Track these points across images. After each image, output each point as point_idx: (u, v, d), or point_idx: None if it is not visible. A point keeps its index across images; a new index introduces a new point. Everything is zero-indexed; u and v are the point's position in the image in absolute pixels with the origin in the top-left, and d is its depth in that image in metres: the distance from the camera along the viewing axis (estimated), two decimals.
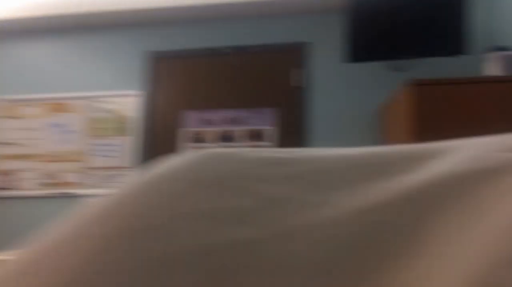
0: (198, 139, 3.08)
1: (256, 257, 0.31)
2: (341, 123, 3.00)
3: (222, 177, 0.37)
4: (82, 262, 0.31)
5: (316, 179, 0.37)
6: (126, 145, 3.16)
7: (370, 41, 2.66)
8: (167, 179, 0.37)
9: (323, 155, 0.40)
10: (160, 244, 0.32)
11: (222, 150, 0.41)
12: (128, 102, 3.21)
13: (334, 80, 3.06)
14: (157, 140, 3.15)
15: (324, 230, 0.32)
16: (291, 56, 3.10)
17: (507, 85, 2.15)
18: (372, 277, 0.29)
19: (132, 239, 0.32)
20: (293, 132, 3.01)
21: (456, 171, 0.33)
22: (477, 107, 2.14)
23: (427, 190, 0.32)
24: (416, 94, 2.18)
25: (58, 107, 3.29)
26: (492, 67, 2.40)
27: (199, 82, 3.17)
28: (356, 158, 0.39)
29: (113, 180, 3.09)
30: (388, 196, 0.33)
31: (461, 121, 2.14)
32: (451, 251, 0.28)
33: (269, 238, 0.32)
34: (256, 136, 3.02)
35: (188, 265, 0.30)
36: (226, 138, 3.05)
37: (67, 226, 0.36)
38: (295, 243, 0.31)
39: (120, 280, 0.30)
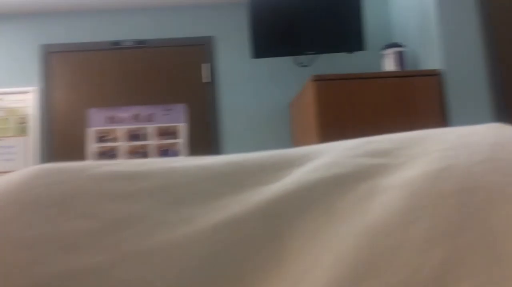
0: (105, 138, 2.94)
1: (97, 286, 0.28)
2: (252, 118, 3.04)
3: (58, 196, 0.33)
4: None
5: (169, 195, 0.35)
6: (26, 147, 2.93)
7: (272, 36, 2.71)
8: None
9: (180, 167, 0.38)
10: None
11: (57, 165, 0.37)
12: (25, 99, 2.97)
13: (244, 75, 3.08)
14: (61, 140, 2.95)
15: (176, 251, 0.30)
16: (198, 50, 3.06)
17: (401, 80, 2.31)
18: None
19: None
20: (204, 128, 2.99)
21: (310, 180, 0.33)
22: (373, 101, 2.28)
23: (282, 202, 0.32)
24: (317, 89, 2.27)
25: None
26: (388, 63, 2.56)
27: (102, 78, 3.02)
28: (214, 169, 0.38)
29: None
30: (243, 210, 0.32)
31: (360, 115, 2.26)
32: (303, 266, 0.28)
33: (114, 264, 0.29)
34: (167, 134, 2.95)
35: None
36: (135, 136, 2.94)
37: None
38: (142, 268, 0.29)
39: None
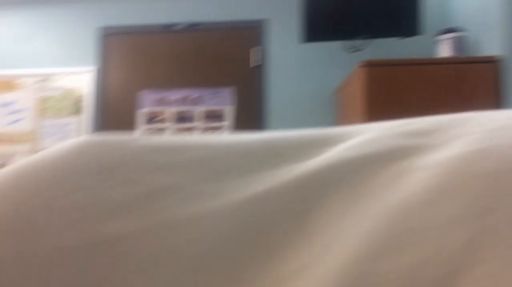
0: (154, 119, 3.02)
1: (128, 253, 0.29)
2: (299, 103, 3.01)
3: (100, 166, 0.35)
4: None
5: (206, 167, 0.35)
6: (80, 125, 3.07)
7: (325, 20, 2.65)
8: (41, 167, 0.35)
9: (215, 142, 0.39)
10: (31, 240, 0.30)
11: (101, 137, 0.39)
12: (81, 80, 3.11)
13: (292, 59, 3.05)
14: (112, 120, 3.07)
15: (209, 221, 0.31)
16: (249, 34, 3.06)
17: (456, 67, 2.20)
18: (254, 270, 0.28)
19: (2, 235, 0.30)
20: (252, 112, 3.00)
21: (343, 158, 0.33)
22: (428, 88, 2.19)
23: (314, 177, 0.32)
24: (368, 75, 2.20)
25: (7, 85, 3.15)
26: (444, 49, 2.44)
27: (154, 60, 3.09)
28: (250, 145, 0.38)
29: None
30: (277, 184, 0.33)
31: (412, 102, 2.18)
32: (333, 240, 0.28)
33: (147, 231, 0.30)
34: (214, 116, 2.99)
35: (59, 263, 0.29)
36: (183, 118, 3.00)
37: None
38: (175, 236, 0.30)
39: None
